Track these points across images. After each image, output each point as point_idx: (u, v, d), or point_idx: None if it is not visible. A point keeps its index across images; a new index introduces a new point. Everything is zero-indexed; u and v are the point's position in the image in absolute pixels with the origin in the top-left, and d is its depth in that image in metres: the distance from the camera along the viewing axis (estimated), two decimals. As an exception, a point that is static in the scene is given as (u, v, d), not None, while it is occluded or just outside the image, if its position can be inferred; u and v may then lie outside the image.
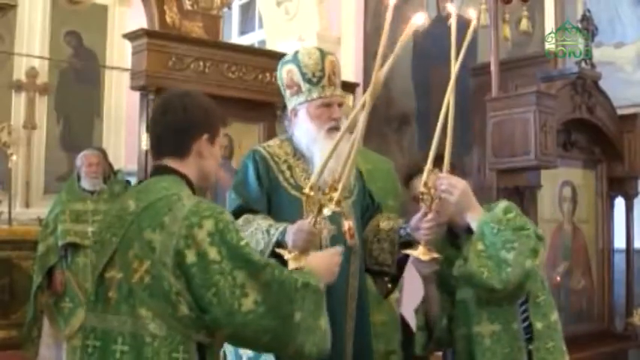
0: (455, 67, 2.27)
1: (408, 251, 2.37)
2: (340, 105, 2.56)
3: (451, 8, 2.19)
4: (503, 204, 2.35)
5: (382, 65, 2.12)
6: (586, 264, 4.30)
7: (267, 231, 2.28)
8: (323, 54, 2.53)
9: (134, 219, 1.70)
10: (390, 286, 2.66)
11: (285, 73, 2.55)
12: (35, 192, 8.30)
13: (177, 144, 1.84)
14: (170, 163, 1.84)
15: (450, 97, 2.26)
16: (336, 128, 2.47)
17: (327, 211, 2.10)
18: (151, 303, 1.63)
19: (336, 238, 2.41)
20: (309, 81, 2.48)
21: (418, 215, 2.33)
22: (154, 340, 1.63)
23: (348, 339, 2.47)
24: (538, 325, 2.35)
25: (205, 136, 1.85)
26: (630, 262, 4.40)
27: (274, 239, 2.25)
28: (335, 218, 2.35)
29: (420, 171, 2.35)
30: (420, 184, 2.32)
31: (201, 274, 1.61)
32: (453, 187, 2.29)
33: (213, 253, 1.62)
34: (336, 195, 2.06)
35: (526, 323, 2.35)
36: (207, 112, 1.88)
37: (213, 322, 1.64)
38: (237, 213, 2.38)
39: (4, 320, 5.29)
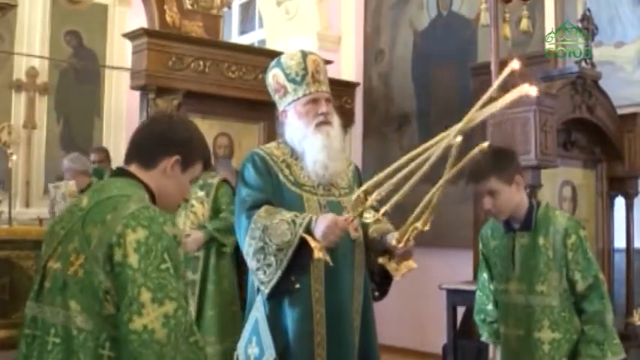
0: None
1: (382, 261, 2.48)
2: (328, 101, 2.62)
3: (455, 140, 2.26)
4: (562, 223, 2.63)
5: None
6: (586, 264, 4.29)
7: (293, 221, 2.32)
8: (304, 54, 2.60)
9: (83, 215, 1.73)
10: (376, 294, 2.69)
11: (272, 78, 2.62)
12: (35, 192, 8.30)
13: (148, 152, 1.86)
14: (134, 168, 1.86)
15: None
16: (325, 122, 2.55)
17: (367, 216, 2.20)
18: (81, 297, 1.65)
19: None
20: (293, 81, 2.55)
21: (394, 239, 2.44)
22: (79, 334, 1.65)
23: (356, 333, 2.51)
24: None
25: (176, 157, 1.85)
26: (630, 262, 4.41)
27: (302, 228, 2.29)
28: (338, 212, 2.39)
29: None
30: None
31: (119, 276, 1.62)
32: None
33: (133, 260, 1.62)
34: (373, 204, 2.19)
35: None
36: (189, 139, 1.89)
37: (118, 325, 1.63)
38: (257, 204, 2.42)
39: (4, 320, 5.27)
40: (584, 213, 4.32)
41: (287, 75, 2.56)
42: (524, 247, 2.65)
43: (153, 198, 1.84)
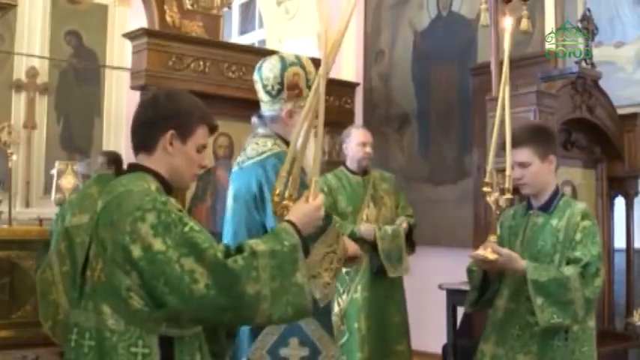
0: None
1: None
2: None
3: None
4: (581, 208, 2.67)
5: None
6: (586, 264, 4.29)
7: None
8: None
9: (96, 219, 1.75)
10: None
11: (292, 75, 2.54)
12: (35, 192, 8.31)
13: (144, 137, 1.85)
14: (141, 158, 1.86)
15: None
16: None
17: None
18: (109, 299, 1.68)
19: None
20: (310, 87, 2.46)
21: None
22: (112, 335, 1.67)
23: None
24: (574, 328, 2.57)
25: (171, 132, 1.82)
26: (630, 262, 4.40)
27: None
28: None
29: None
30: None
31: (149, 267, 1.63)
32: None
33: (158, 244, 1.63)
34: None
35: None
36: (179, 109, 1.85)
37: (172, 311, 1.66)
38: None
39: (4, 320, 5.28)
40: (584, 213, 4.32)
41: (307, 80, 2.52)
42: (536, 225, 2.72)
43: (164, 182, 1.83)
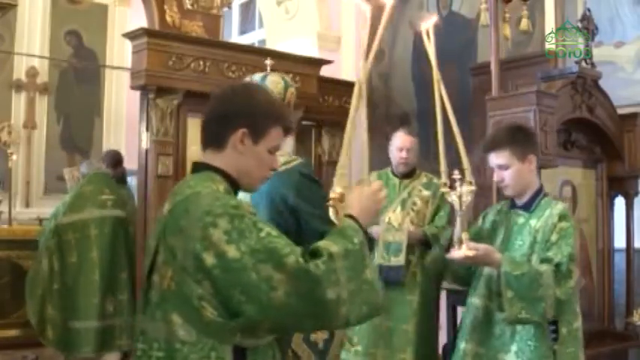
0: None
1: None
2: None
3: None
4: (560, 209, 2.64)
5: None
6: (586, 264, 4.29)
7: None
8: (286, 85, 2.80)
9: (164, 223, 1.66)
10: None
11: (290, 94, 2.80)
12: (35, 192, 8.30)
13: (215, 133, 1.75)
14: (209, 154, 1.77)
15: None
16: None
17: None
18: (180, 310, 1.59)
19: None
20: None
21: None
22: (183, 346, 1.59)
23: None
24: (563, 330, 2.57)
25: (243, 130, 1.72)
26: (630, 262, 4.40)
27: None
28: None
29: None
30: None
31: (223, 275, 1.54)
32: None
33: (232, 252, 1.54)
34: None
35: (553, 327, 2.58)
36: (252, 106, 1.75)
37: (249, 321, 1.58)
38: None
39: (4, 320, 5.28)
40: (584, 213, 4.32)
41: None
42: (516, 225, 2.72)
43: (232, 181, 1.75)
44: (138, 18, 7.08)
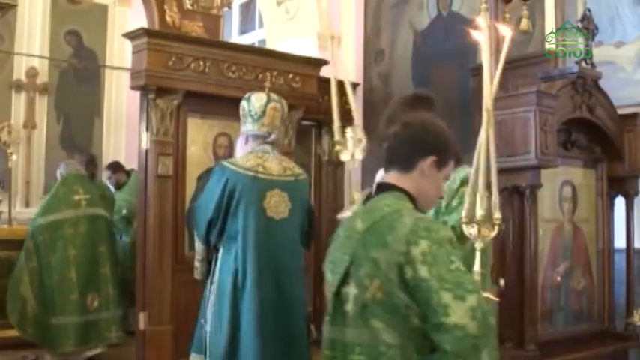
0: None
1: None
2: None
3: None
4: (463, 175, 2.78)
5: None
6: (586, 264, 4.30)
7: None
8: (269, 99, 3.57)
9: (360, 238, 1.87)
10: None
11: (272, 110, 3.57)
12: (35, 192, 8.29)
13: (406, 157, 1.98)
14: (394, 175, 1.99)
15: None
16: None
17: None
18: (385, 316, 1.78)
19: None
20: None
21: None
22: (388, 349, 1.77)
23: None
24: None
25: (433, 158, 1.96)
26: (630, 262, 4.40)
27: None
28: None
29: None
30: None
31: (415, 289, 1.75)
32: None
33: (423, 271, 1.74)
34: None
35: None
36: (443, 139, 2.01)
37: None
38: None
39: (4, 320, 5.27)
40: (584, 213, 4.32)
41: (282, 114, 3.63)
42: None
43: (414, 202, 1.96)
44: (138, 18, 7.08)
